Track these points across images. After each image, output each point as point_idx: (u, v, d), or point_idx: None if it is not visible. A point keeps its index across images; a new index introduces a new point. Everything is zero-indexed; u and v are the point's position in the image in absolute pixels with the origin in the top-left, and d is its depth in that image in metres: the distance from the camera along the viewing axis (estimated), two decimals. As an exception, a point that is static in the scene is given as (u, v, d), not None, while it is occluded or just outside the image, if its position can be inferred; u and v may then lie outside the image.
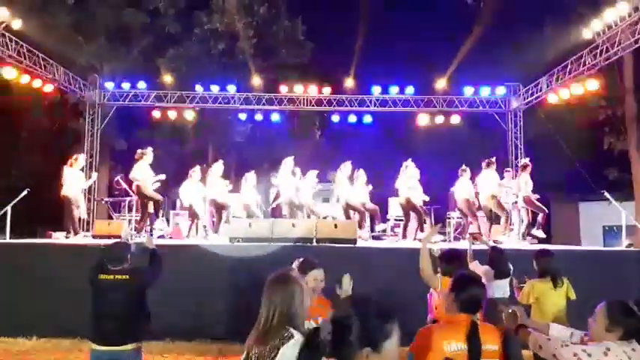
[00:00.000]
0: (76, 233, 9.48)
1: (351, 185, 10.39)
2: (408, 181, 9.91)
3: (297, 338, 2.16)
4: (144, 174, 9.66)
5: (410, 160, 10.18)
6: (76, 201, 9.60)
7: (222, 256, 7.49)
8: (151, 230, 10.16)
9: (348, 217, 10.25)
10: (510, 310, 3.02)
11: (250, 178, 11.08)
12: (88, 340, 3.95)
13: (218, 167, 10.64)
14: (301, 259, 3.48)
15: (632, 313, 2.68)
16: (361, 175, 10.51)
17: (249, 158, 18.44)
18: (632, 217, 11.28)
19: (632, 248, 8.82)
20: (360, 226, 10.36)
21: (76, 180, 9.74)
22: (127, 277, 3.92)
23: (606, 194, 9.64)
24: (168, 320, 6.85)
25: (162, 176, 10.09)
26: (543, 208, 9.80)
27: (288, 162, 10.70)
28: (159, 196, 9.95)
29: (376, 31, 18.19)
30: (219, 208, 10.37)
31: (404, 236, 10.09)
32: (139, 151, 9.89)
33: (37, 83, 12.53)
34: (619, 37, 10.34)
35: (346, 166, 10.52)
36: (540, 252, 5.04)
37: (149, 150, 9.91)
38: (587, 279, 6.21)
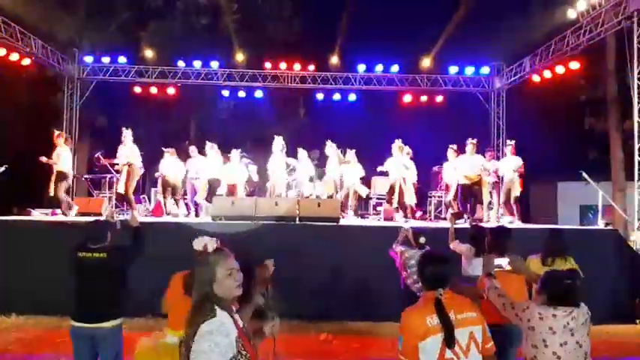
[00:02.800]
0: (69, 209, 9.43)
1: (342, 164, 10.49)
2: (406, 161, 10.00)
3: (219, 317, 2.18)
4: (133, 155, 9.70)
5: (400, 140, 10.21)
6: (69, 178, 9.58)
7: (204, 233, 7.46)
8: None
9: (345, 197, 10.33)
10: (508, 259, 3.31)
11: (235, 155, 10.97)
12: (69, 317, 3.95)
13: (213, 148, 10.57)
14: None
15: (557, 281, 2.93)
16: (352, 154, 10.60)
17: (232, 136, 18.27)
18: (608, 197, 11.50)
19: (609, 227, 9.02)
20: (345, 206, 10.47)
21: (69, 157, 9.70)
22: (105, 255, 3.90)
23: (584, 174, 9.77)
24: (149, 297, 6.84)
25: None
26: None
27: (277, 141, 10.59)
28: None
29: (362, 8, 17.98)
30: (213, 187, 10.32)
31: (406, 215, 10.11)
32: (125, 131, 9.88)
33: (13, 57, 12.22)
34: (603, 17, 10.39)
35: (332, 147, 10.53)
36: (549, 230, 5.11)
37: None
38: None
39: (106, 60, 14.73)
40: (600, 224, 9.34)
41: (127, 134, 9.77)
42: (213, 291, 2.27)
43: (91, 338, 3.80)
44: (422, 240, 5.60)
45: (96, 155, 11.39)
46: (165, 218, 9.84)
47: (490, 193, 10.29)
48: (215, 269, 2.30)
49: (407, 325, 2.63)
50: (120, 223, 4.42)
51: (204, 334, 2.13)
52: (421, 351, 2.54)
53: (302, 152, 11.07)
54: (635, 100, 9.57)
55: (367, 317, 7.12)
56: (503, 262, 3.50)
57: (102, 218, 5.54)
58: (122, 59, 14.74)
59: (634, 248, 8.41)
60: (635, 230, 9.90)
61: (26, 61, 12.76)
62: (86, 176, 13.33)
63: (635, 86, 9.59)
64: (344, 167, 10.66)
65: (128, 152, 9.66)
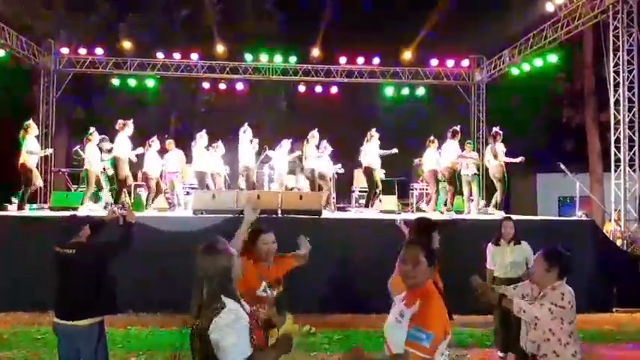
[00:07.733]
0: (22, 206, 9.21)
1: (318, 155, 10.40)
2: (372, 150, 9.98)
3: (230, 307, 2.18)
4: (122, 147, 9.37)
5: (374, 130, 10.20)
6: (34, 171, 9.28)
7: (185, 228, 7.41)
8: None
9: (313, 187, 10.24)
10: (479, 283, 3.31)
11: (219, 148, 10.84)
12: (49, 313, 3.89)
13: (203, 138, 10.31)
14: (250, 230, 3.50)
15: (564, 256, 3.30)
16: (327, 146, 10.53)
17: (212, 128, 18.07)
18: (585, 188, 11.71)
19: (584, 217, 9.19)
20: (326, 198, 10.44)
21: (33, 148, 9.36)
22: (74, 251, 3.82)
23: (561, 166, 9.90)
24: (131, 294, 6.79)
25: (140, 150, 9.86)
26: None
27: (246, 130, 10.48)
28: (129, 179, 9.66)
29: (344, 1, 18.01)
30: (203, 179, 10.16)
31: (367, 205, 10.14)
32: (120, 121, 9.56)
33: (-14, 48, 11.95)
34: (579, 11, 10.53)
35: (314, 136, 10.42)
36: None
37: (130, 122, 9.59)
38: (543, 247, 6.43)
39: (82, 52, 14.46)
40: (577, 215, 9.51)
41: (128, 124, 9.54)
42: (227, 281, 2.26)
43: (70, 335, 3.75)
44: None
45: (74, 149, 11.15)
46: (146, 213, 9.71)
47: (471, 184, 10.33)
48: (230, 258, 2.29)
49: (440, 322, 2.33)
50: (123, 219, 4.32)
51: (226, 327, 2.12)
52: (439, 350, 2.33)
53: (285, 142, 10.96)
54: (612, 92, 9.73)
55: (349, 309, 7.15)
56: None
57: (78, 213, 5.43)
58: (99, 51, 14.48)
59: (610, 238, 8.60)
60: (612, 220, 10.12)
61: (0, 53, 12.46)
62: (63, 170, 13.08)
63: (612, 79, 9.75)
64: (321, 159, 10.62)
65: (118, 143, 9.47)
